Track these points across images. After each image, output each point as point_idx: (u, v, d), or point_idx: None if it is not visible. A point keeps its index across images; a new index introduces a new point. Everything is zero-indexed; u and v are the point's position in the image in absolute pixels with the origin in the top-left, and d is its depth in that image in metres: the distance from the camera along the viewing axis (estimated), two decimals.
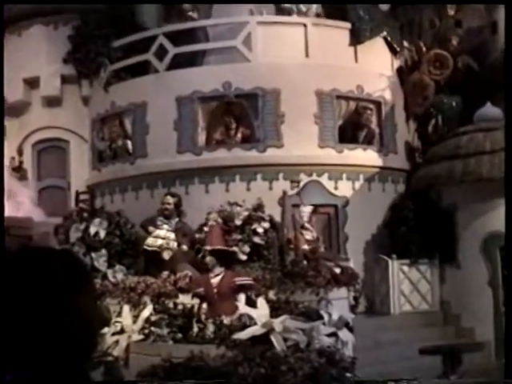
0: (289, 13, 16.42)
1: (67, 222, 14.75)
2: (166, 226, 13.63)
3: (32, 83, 18.36)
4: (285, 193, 13.98)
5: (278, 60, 15.32)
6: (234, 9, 16.25)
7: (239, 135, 15.25)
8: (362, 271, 14.75)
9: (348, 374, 8.72)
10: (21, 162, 18.43)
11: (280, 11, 16.44)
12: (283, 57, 15.36)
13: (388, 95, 16.19)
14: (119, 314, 11.23)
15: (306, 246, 13.14)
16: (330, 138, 15.23)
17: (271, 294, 11.78)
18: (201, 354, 8.95)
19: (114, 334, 10.64)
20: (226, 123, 15.15)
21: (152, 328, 10.58)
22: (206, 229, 13.22)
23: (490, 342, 13.46)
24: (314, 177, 14.89)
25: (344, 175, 15.26)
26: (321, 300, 11.88)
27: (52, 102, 18.26)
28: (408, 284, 14.83)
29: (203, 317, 10.38)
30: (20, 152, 18.55)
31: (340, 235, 15.09)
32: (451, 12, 17.01)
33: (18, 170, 18.24)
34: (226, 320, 10.11)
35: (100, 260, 13.75)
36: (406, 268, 14.87)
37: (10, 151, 18.19)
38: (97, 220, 14.09)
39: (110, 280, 13.06)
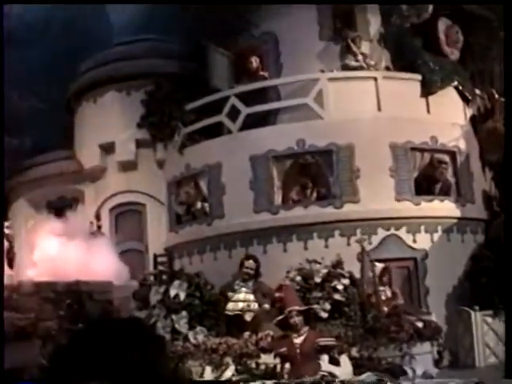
0: (358, 68, 16.84)
1: (145, 285, 15.24)
2: (244, 289, 13.98)
3: (108, 149, 19.17)
4: (363, 248, 14.20)
5: (350, 115, 15.72)
6: (303, 66, 16.76)
7: (315, 192, 15.62)
8: (445, 324, 14.84)
9: None
10: (99, 227, 19.10)
11: (348, 67, 16.88)
12: (355, 111, 15.77)
13: (462, 144, 16.42)
14: (201, 376, 11.55)
15: (385, 302, 13.31)
16: (406, 191, 15.50)
17: (354, 351, 11.97)
18: None
19: None
20: (302, 183, 15.57)
21: None
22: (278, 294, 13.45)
23: None
24: (392, 231, 15.12)
25: (422, 227, 15.47)
26: (404, 355, 12.03)
27: (127, 166, 19.03)
28: (492, 335, 14.83)
29: (286, 376, 10.60)
30: (98, 217, 19.24)
31: (420, 288, 15.24)
32: None
33: (97, 235, 18.88)
34: (309, 379, 10.30)
35: (181, 322, 14.11)
36: (489, 319, 14.89)
37: (87, 216, 18.93)
38: (176, 282, 14.53)
39: (192, 342, 13.40)
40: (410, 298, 14.92)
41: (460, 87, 16.87)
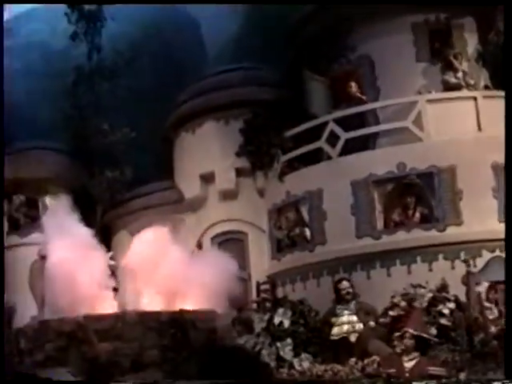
0: (457, 85, 17.03)
1: (246, 313, 15.71)
2: (346, 311, 14.33)
3: (208, 178, 19.85)
4: (468, 271, 14.30)
5: (450, 136, 15.91)
6: (401, 89, 17.09)
7: (417, 215, 15.84)
8: None
9: None
10: None
11: (448, 87, 17.08)
12: (455, 133, 15.97)
13: None
14: None
15: (492, 321, 13.38)
16: None
17: (462, 376, 12.08)
18: None
19: None
20: (406, 204, 15.85)
21: None
22: (392, 312, 13.68)
23: None
24: (497, 253, 15.16)
25: None
26: None
27: (228, 195, 19.68)
28: None
29: None
30: (199, 246, 19.86)
31: None
32: None
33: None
34: None
35: (286, 349, 14.53)
36: None
37: (189, 245, 19.53)
38: (280, 310, 14.99)
39: (297, 369, 13.78)
40: None
41: None
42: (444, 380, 10.52)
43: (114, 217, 22.02)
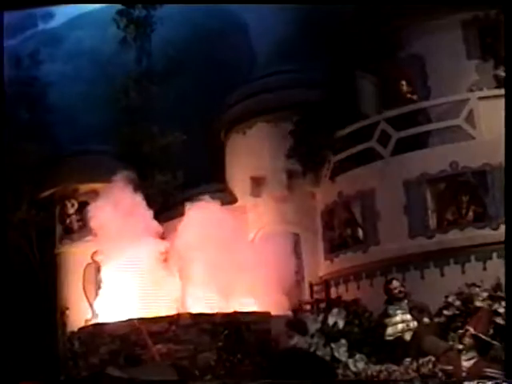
0: None
1: (301, 314, 15.85)
2: (399, 311, 14.40)
3: (259, 181, 19.98)
4: None
5: (503, 133, 15.83)
6: (452, 87, 17.12)
7: (471, 214, 15.87)
8: None
9: None
10: None
11: (500, 83, 17.06)
12: None
13: None
14: None
15: None
16: None
17: None
18: None
19: None
20: (459, 203, 15.90)
21: None
22: (446, 312, 13.71)
23: None
24: None
25: None
26: None
27: (280, 197, 19.78)
28: None
29: None
30: None
31: None
32: None
33: None
34: None
35: (340, 350, 14.60)
36: None
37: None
38: (335, 310, 15.09)
39: (352, 369, 13.86)
40: None
41: None
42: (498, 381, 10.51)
43: (166, 219, 22.29)
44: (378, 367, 13.44)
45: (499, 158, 15.47)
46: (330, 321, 14.97)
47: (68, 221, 22.27)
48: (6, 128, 25.74)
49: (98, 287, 19.33)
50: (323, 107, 18.98)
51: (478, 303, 13.99)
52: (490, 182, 15.65)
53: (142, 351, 15.39)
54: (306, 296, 18.36)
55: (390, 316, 14.49)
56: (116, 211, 17.95)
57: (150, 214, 18.52)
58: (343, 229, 17.72)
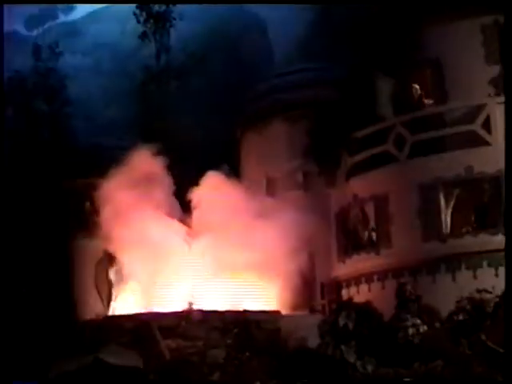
0: None
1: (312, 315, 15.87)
2: (409, 315, 14.39)
3: (274, 180, 19.96)
4: None
5: None
6: (469, 91, 17.07)
7: (484, 219, 15.84)
8: None
9: None
10: None
11: None
12: None
13: None
14: None
15: None
16: None
17: None
18: None
19: None
20: (473, 208, 15.85)
21: None
22: (457, 317, 13.69)
23: None
24: None
25: None
26: None
27: (295, 196, 19.71)
28: None
29: None
30: None
31: None
32: None
33: None
34: None
35: (349, 351, 14.58)
36: None
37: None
38: (345, 312, 15.07)
39: (360, 371, 13.85)
40: None
41: None
42: None
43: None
44: (386, 370, 13.42)
45: None
46: (341, 322, 14.97)
47: (82, 215, 22.32)
48: (24, 119, 26.03)
49: (110, 282, 19.44)
50: (340, 108, 18.96)
51: (488, 309, 13.99)
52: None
53: (151, 345, 15.43)
54: (318, 296, 18.33)
55: (400, 320, 14.48)
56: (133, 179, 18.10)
57: (169, 186, 18.53)
58: (356, 230, 17.71)
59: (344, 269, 17.99)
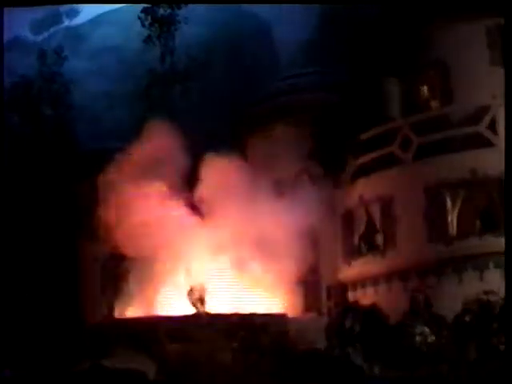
0: None
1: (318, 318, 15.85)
2: (418, 323, 14.35)
3: (280, 183, 19.91)
4: None
5: None
6: (475, 93, 17.05)
7: (490, 221, 15.80)
8: None
9: None
10: None
11: None
12: None
13: None
14: None
15: None
16: None
17: None
18: None
19: None
20: (479, 210, 15.82)
21: None
22: (464, 318, 13.68)
23: None
24: None
25: None
26: None
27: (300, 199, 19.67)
28: None
29: None
30: None
31: None
32: None
33: None
34: None
35: (356, 354, 14.58)
36: None
37: None
38: (351, 314, 15.05)
39: (367, 374, 13.84)
40: None
41: None
42: None
43: None
44: (393, 373, 13.42)
45: None
46: (347, 325, 14.97)
47: (87, 218, 22.29)
48: (30, 123, 26.07)
49: (116, 283, 19.42)
50: (345, 110, 18.95)
51: (495, 311, 13.96)
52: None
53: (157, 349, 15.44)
54: (324, 299, 18.31)
55: (408, 326, 14.43)
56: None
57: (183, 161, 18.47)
58: (362, 233, 17.68)
59: (350, 271, 17.97)
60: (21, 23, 38.20)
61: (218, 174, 18.03)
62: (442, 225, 16.03)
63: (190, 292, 16.86)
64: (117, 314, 18.66)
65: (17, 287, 21.55)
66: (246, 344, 15.36)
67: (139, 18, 26.08)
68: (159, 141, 18.17)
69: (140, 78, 25.47)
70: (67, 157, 23.47)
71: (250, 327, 15.71)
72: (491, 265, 15.36)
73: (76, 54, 32.79)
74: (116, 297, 19.06)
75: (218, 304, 17.26)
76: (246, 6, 31.17)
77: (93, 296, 21.45)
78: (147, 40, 25.58)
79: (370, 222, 17.52)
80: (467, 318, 13.96)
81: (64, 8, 40.58)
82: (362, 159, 18.09)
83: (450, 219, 16.04)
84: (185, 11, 25.74)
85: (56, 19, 46.24)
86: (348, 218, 18.25)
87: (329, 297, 18.04)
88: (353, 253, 18.01)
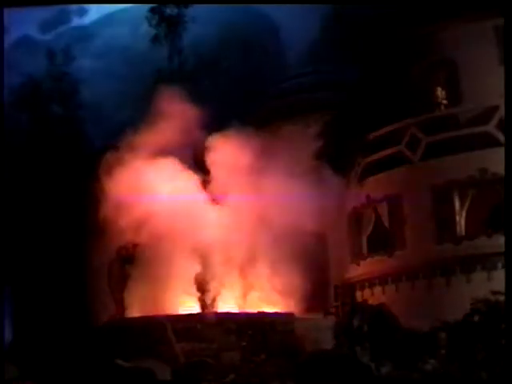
0: None
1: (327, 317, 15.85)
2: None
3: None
4: None
5: None
6: (483, 93, 16.98)
7: (499, 220, 15.74)
8: None
9: None
10: None
11: None
12: None
13: None
14: None
15: None
16: None
17: None
18: None
19: None
20: (487, 209, 15.79)
21: None
22: (472, 319, 13.66)
23: None
24: None
25: None
26: None
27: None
28: None
29: None
30: None
31: None
32: None
33: None
34: None
35: (364, 353, 14.57)
36: None
37: None
38: (359, 314, 15.06)
39: (374, 373, 13.82)
40: None
41: None
42: None
43: None
44: (401, 372, 13.40)
45: None
46: (355, 324, 14.97)
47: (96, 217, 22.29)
48: (38, 122, 26.11)
49: (124, 283, 19.39)
50: (354, 109, 18.94)
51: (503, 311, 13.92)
52: None
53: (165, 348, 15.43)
54: (332, 298, 18.30)
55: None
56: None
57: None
58: (370, 232, 17.66)
59: (358, 271, 17.94)
60: (29, 22, 38.26)
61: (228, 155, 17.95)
62: (451, 225, 16.00)
63: (203, 291, 16.88)
64: (125, 313, 18.64)
65: (26, 290, 21.58)
66: (255, 343, 15.36)
67: (146, 17, 26.13)
68: (167, 105, 18.02)
69: (148, 78, 25.47)
70: (76, 156, 23.50)
71: (258, 326, 15.70)
72: (500, 265, 15.29)
73: (84, 53, 32.80)
74: (124, 296, 19.05)
75: (226, 303, 17.27)
76: (253, 6, 31.16)
77: (101, 296, 21.42)
78: (155, 39, 25.63)
79: (378, 221, 17.50)
80: (476, 318, 13.93)
81: (72, 7, 40.58)
82: (370, 158, 18.06)
83: (458, 219, 16.01)
84: (192, 11, 25.75)
85: (64, 19, 46.32)
86: (356, 218, 18.22)
87: (337, 296, 18.00)
88: (361, 252, 17.98)
